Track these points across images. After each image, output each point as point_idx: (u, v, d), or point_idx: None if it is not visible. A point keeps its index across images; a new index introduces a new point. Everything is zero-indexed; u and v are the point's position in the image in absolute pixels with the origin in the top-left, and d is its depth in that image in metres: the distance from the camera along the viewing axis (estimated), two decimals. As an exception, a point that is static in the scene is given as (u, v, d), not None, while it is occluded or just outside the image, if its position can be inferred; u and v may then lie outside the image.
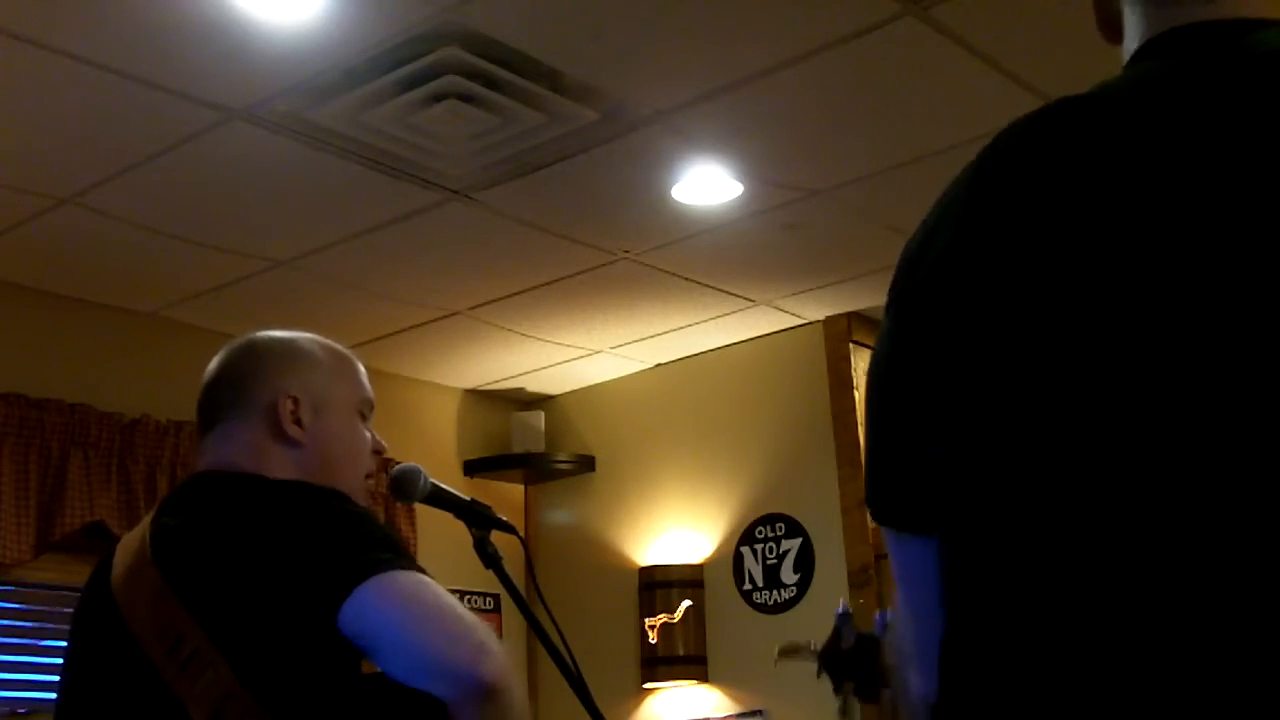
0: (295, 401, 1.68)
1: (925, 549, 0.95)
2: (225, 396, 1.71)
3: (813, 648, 1.82)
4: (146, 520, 1.63)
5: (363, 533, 1.49)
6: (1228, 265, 0.83)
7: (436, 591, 1.43)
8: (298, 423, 1.68)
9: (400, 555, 1.46)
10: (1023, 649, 0.86)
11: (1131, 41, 1.03)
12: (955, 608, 0.92)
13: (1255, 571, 0.79)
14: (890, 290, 0.99)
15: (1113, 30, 1.07)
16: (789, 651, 1.88)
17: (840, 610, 1.82)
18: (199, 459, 1.71)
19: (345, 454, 1.72)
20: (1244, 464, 0.81)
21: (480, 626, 1.41)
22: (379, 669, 1.41)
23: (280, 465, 1.65)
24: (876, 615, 1.82)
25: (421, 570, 1.46)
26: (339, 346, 1.80)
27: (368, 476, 1.76)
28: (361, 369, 1.80)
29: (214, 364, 1.76)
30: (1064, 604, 0.84)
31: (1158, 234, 0.85)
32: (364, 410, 1.77)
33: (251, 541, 1.49)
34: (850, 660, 1.79)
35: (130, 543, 1.61)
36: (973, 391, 0.89)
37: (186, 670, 1.44)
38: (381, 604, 1.40)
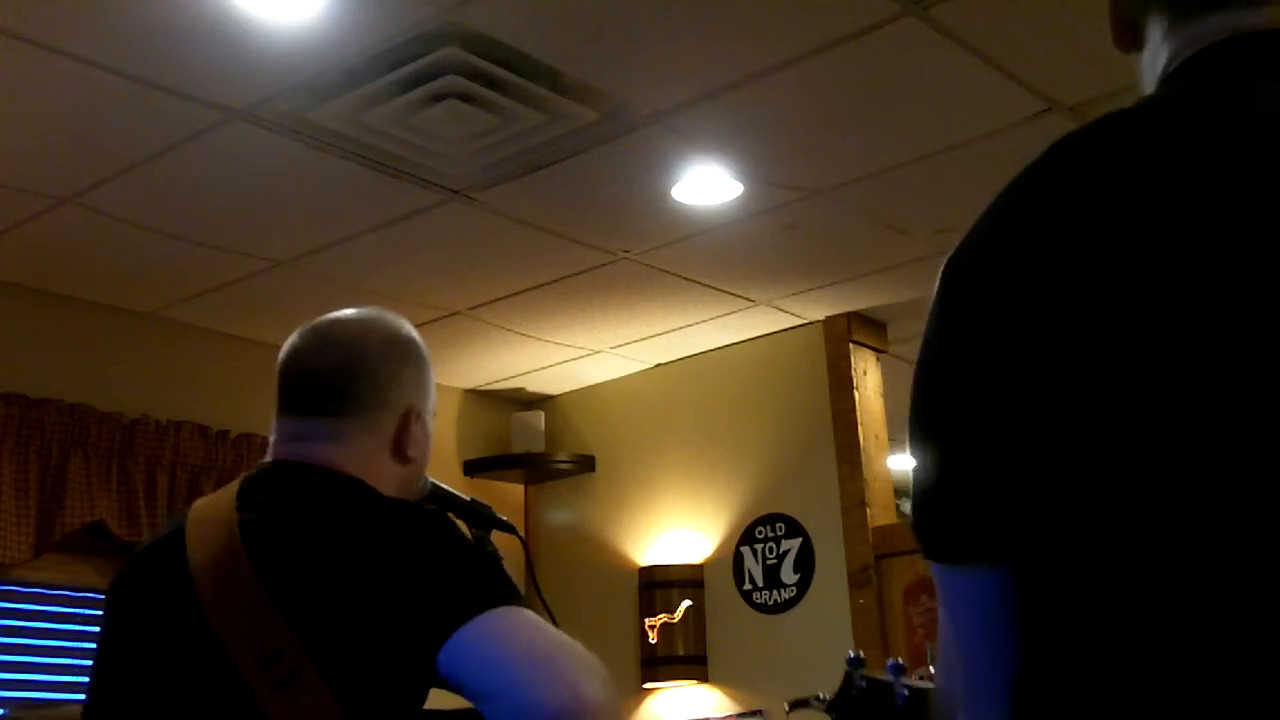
0: (420, 419, 1.61)
1: (989, 581, 0.89)
2: (353, 387, 1.58)
3: (822, 698, 1.77)
4: (227, 502, 1.49)
5: (469, 566, 1.41)
6: (1262, 280, 0.81)
7: (537, 631, 1.35)
8: (410, 436, 1.61)
9: (504, 591, 1.38)
10: (1127, 680, 0.82)
11: (1160, 54, 1.00)
12: (1039, 640, 0.87)
13: None
14: (936, 292, 0.93)
15: (1130, 39, 1.04)
16: (798, 704, 1.84)
17: (850, 656, 1.77)
18: (286, 442, 1.58)
19: (424, 470, 1.68)
20: None
21: (582, 672, 1.32)
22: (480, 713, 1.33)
23: (384, 478, 1.56)
24: (889, 663, 1.77)
25: (525, 603, 1.38)
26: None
27: None
28: None
29: (333, 337, 1.61)
30: (1170, 629, 0.80)
31: (1214, 248, 0.82)
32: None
33: (362, 563, 1.39)
34: (862, 709, 1.74)
35: (209, 529, 1.47)
36: (1048, 408, 0.84)
37: (281, 690, 1.34)
38: (478, 646, 1.32)
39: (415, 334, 1.68)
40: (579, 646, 1.35)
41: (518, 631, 1.34)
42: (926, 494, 0.92)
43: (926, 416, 0.92)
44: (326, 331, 1.62)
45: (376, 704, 1.36)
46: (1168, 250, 0.83)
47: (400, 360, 1.62)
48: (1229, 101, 0.90)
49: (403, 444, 1.59)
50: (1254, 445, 0.79)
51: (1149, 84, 1.01)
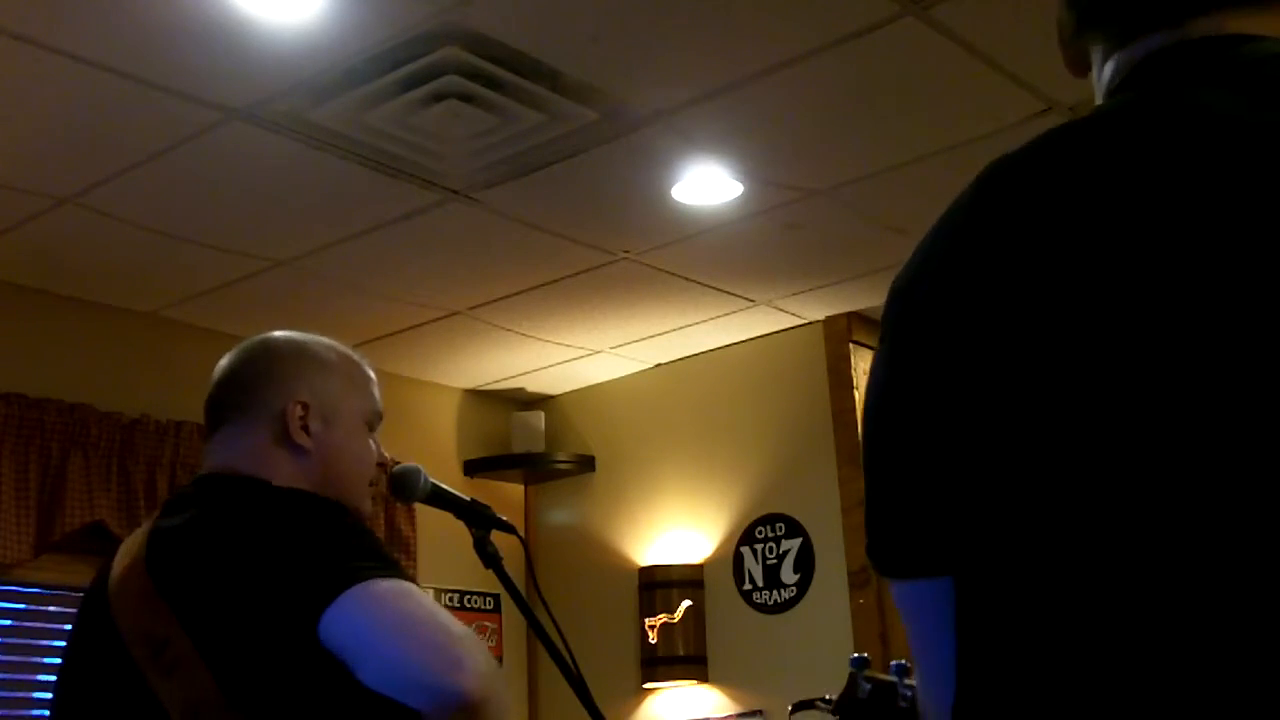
0: (305, 408, 1.67)
1: (939, 594, 0.92)
2: (234, 399, 1.69)
3: (828, 699, 1.78)
4: (148, 523, 1.63)
5: (349, 543, 1.48)
6: (1226, 295, 0.81)
7: (418, 601, 1.41)
8: (305, 429, 1.66)
9: (386, 565, 1.44)
10: (1051, 685, 0.84)
11: (1104, 72, 1.01)
12: (972, 642, 0.89)
13: None
14: (883, 326, 0.95)
15: (1080, 65, 1.05)
16: (802, 705, 1.84)
17: (855, 658, 1.78)
18: (205, 459, 1.71)
19: (351, 467, 1.71)
20: None
21: (463, 638, 1.39)
22: (361, 680, 1.38)
23: (285, 472, 1.64)
24: (892, 664, 1.78)
25: (409, 579, 1.44)
26: (353, 354, 1.78)
27: (371, 484, 1.76)
28: (374, 379, 1.79)
29: (225, 363, 1.74)
30: (1097, 634, 0.82)
31: (1159, 259, 0.82)
32: (373, 422, 1.76)
33: (241, 548, 1.48)
34: (867, 711, 1.75)
35: (130, 545, 1.61)
36: (988, 422, 0.86)
37: (169, 674, 1.44)
38: (359, 614, 1.38)
39: (306, 342, 1.75)
40: (456, 620, 1.42)
41: (397, 600, 1.40)
42: (875, 514, 0.97)
43: (873, 440, 0.96)
44: (225, 360, 1.76)
45: (262, 677, 1.43)
46: (1109, 272, 0.83)
47: (268, 363, 1.71)
48: (1178, 108, 0.89)
49: (286, 433, 1.66)
50: (1179, 476, 0.80)
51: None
